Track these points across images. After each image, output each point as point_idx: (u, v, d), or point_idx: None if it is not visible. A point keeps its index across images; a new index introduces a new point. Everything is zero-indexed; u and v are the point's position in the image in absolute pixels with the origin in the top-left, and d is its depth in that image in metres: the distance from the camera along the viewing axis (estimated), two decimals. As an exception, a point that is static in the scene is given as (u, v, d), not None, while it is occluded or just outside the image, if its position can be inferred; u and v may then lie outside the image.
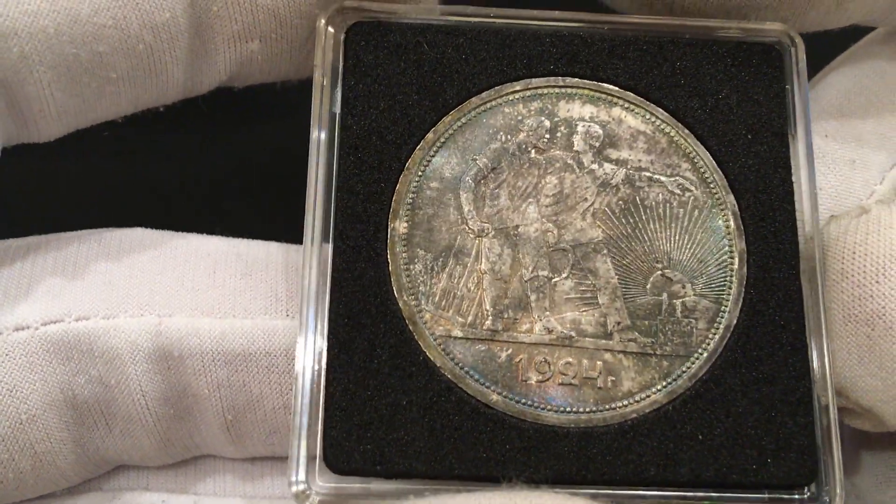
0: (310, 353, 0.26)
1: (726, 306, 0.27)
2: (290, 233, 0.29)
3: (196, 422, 0.28)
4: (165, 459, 0.29)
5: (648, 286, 0.27)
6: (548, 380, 0.26)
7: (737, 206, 0.27)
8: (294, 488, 0.25)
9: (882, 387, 0.25)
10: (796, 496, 0.26)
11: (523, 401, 0.26)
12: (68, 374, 0.26)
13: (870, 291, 0.25)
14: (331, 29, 0.28)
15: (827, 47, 0.31)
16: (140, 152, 0.35)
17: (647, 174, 0.28)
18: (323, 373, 0.25)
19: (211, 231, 0.29)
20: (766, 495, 0.26)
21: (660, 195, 0.27)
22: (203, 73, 0.28)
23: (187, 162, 0.38)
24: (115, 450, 0.28)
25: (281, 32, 0.28)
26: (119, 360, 0.26)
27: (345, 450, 0.25)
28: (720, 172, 0.28)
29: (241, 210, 0.37)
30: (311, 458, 0.25)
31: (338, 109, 0.27)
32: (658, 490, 0.25)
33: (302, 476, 0.25)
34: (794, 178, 0.28)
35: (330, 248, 0.26)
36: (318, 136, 0.27)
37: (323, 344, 0.26)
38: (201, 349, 0.27)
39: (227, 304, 0.27)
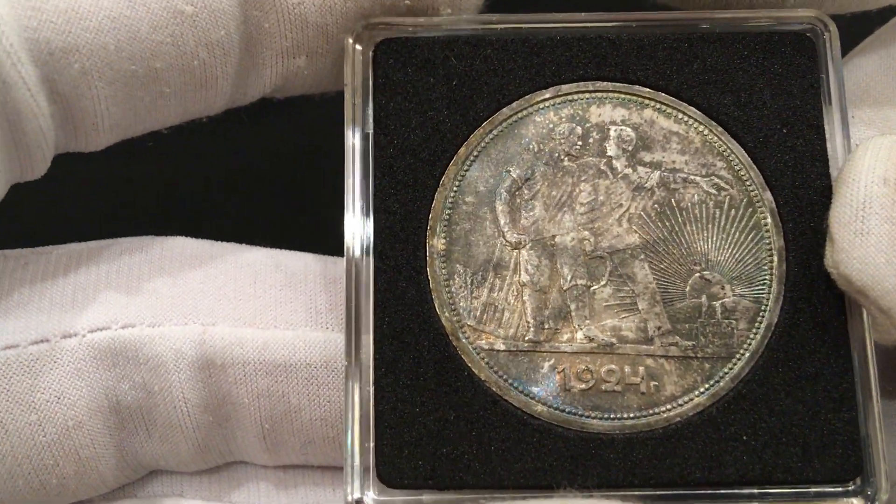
0: (358, 371, 0.26)
1: (766, 305, 0.27)
2: (325, 243, 0.30)
3: (234, 429, 0.28)
4: (200, 465, 0.29)
5: (687, 289, 0.27)
6: (591, 388, 0.26)
7: (774, 202, 0.27)
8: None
9: None
10: (840, 489, 0.26)
11: (568, 409, 0.26)
12: (113, 380, 0.27)
13: None
14: (359, 46, 0.28)
15: (854, 34, 0.31)
16: (170, 158, 0.35)
17: (682, 175, 0.28)
18: (372, 390, 0.26)
19: (241, 238, 0.30)
20: (812, 490, 0.26)
21: (695, 196, 0.28)
22: (249, 86, 0.29)
23: (214, 168, 0.38)
24: (152, 455, 0.28)
25: (327, 48, 0.28)
26: (163, 367, 0.27)
27: (397, 466, 0.26)
28: (756, 169, 0.28)
29: (266, 218, 0.38)
30: (365, 473, 0.26)
31: (370, 128, 0.28)
32: (705, 489, 0.26)
33: (357, 491, 0.26)
34: (831, 171, 0.27)
35: (371, 267, 0.27)
36: (353, 155, 0.28)
37: (370, 362, 0.26)
38: (244, 359, 0.27)
39: (269, 315, 0.28)
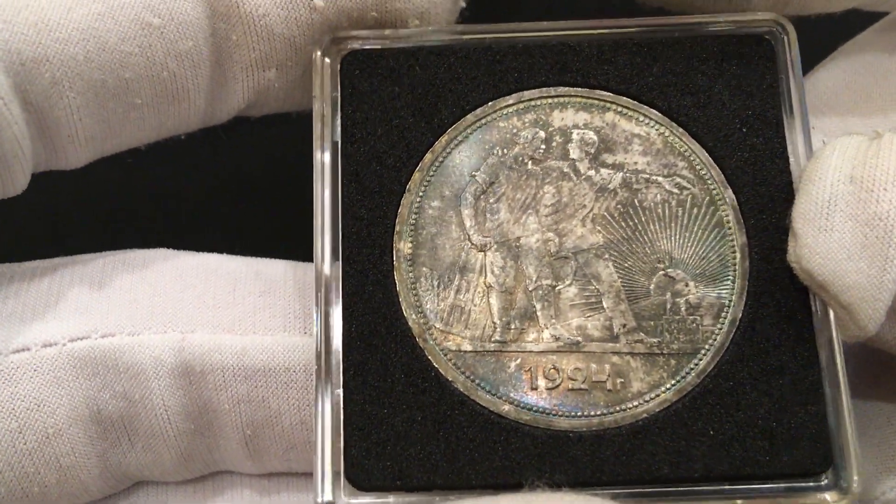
0: (328, 374, 0.27)
1: (731, 301, 0.27)
2: (302, 250, 0.30)
3: (216, 437, 0.29)
4: (185, 475, 0.30)
5: (652, 287, 0.27)
6: (557, 386, 0.27)
7: (735, 200, 0.28)
8: None
9: (866, 285, 0.25)
10: (812, 484, 0.26)
11: (535, 408, 0.26)
12: (94, 389, 0.27)
13: (876, 196, 0.26)
14: (327, 60, 0.29)
15: (824, 44, 0.31)
16: (150, 171, 0.36)
17: (644, 176, 0.28)
18: (340, 393, 0.26)
19: (219, 248, 0.30)
20: (783, 485, 0.26)
21: (658, 196, 0.28)
22: (223, 101, 0.29)
23: (190, 177, 0.39)
24: (136, 465, 0.29)
25: (296, 60, 0.29)
26: (143, 375, 0.27)
27: (365, 468, 0.26)
28: (717, 168, 0.28)
29: (249, 226, 0.38)
30: (335, 477, 0.26)
31: (338, 138, 0.28)
32: (674, 486, 0.26)
33: (328, 495, 0.26)
34: (792, 168, 0.28)
35: (339, 271, 0.27)
36: (322, 164, 0.28)
37: (339, 365, 0.27)
38: (223, 365, 0.28)
39: (247, 321, 0.28)
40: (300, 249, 0.30)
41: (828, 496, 0.26)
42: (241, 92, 0.29)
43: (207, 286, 0.29)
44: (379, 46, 0.29)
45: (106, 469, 0.29)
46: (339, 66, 0.29)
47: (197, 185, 0.39)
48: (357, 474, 0.26)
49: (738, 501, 0.26)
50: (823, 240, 0.26)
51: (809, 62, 0.31)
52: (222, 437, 0.29)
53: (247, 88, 0.29)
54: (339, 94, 0.29)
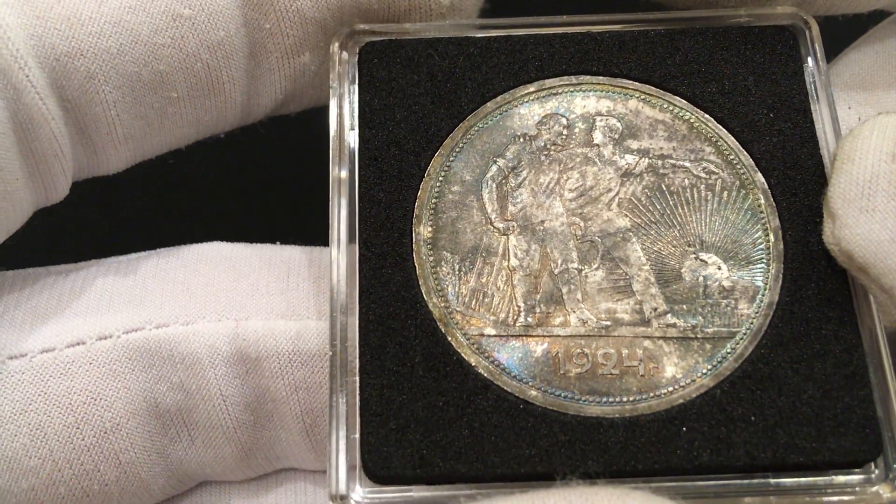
0: (343, 359, 0.25)
1: (767, 284, 0.26)
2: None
3: (276, 428, 0.28)
4: (247, 472, 0.29)
5: (683, 270, 0.26)
6: (587, 371, 0.25)
7: (766, 184, 0.27)
8: (333, 500, 0.24)
9: None
10: (861, 476, 0.24)
11: (563, 394, 0.25)
12: (150, 381, 0.27)
13: None
14: (345, 53, 0.28)
15: (846, 33, 0.31)
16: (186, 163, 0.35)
17: (671, 161, 0.27)
18: (357, 379, 0.25)
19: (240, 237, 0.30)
20: (830, 477, 0.24)
21: (685, 180, 0.27)
22: (259, 93, 0.29)
23: (207, 170, 0.38)
24: (197, 462, 0.28)
25: (328, 43, 0.29)
26: (199, 364, 0.27)
27: (383, 455, 0.24)
28: (745, 153, 0.27)
29: (276, 214, 0.37)
30: (350, 467, 0.24)
31: (356, 124, 0.28)
32: (716, 478, 0.24)
33: (343, 487, 0.24)
34: (822, 152, 0.27)
35: (356, 255, 0.26)
36: (337, 152, 0.27)
37: (355, 350, 0.25)
38: (277, 350, 0.27)
39: (301, 307, 0.28)
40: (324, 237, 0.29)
41: (880, 489, 0.24)
42: (278, 81, 0.29)
43: (261, 275, 0.28)
44: (397, 38, 0.29)
45: (167, 467, 0.28)
46: (356, 57, 0.28)
47: (236, 178, 0.38)
48: (375, 463, 0.24)
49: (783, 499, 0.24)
50: (865, 221, 0.25)
51: (837, 46, 0.31)
52: (283, 429, 0.28)
53: (283, 77, 0.29)
54: (356, 83, 0.28)
